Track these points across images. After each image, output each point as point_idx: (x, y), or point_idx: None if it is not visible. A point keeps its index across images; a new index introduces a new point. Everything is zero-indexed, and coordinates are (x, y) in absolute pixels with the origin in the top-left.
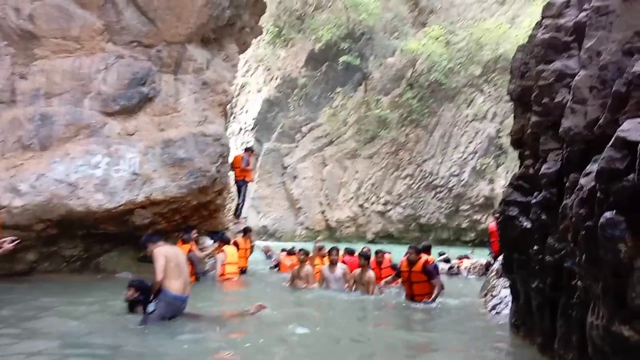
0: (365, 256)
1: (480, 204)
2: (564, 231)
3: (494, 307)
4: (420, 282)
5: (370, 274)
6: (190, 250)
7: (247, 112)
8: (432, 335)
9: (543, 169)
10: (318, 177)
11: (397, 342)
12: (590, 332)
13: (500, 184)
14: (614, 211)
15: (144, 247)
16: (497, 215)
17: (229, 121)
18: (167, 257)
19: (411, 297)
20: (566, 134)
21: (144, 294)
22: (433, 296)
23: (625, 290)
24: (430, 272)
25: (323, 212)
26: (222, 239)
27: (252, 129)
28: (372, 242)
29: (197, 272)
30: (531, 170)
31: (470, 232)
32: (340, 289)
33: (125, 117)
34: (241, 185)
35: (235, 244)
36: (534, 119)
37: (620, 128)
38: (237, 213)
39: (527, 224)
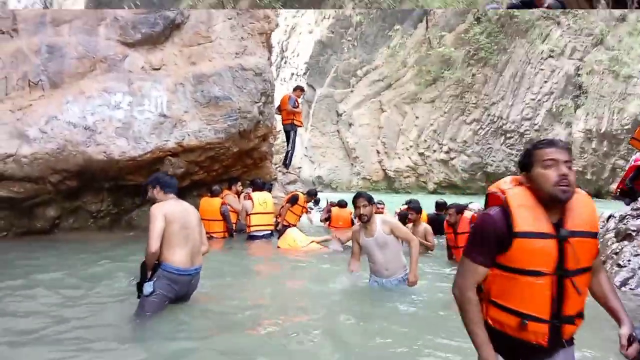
0: (416, 209)
1: None
2: None
3: (624, 283)
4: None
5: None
6: (223, 204)
7: (298, 55)
8: None
9: None
10: (375, 124)
11: None
12: None
13: (579, 127)
14: None
15: (144, 191)
16: None
17: (279, 66)
18: (169, 217)
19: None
20: None
21: (141, 274)
22: None
23: None
24: None
25: (380, 162)
26: (253, 184)
27: (304, 74)
28: (433, 192)
29: (230, 228)
30: None
31: None
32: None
33: (149, 48)
34: (289, 130)
35: (295, 199)
36: None
37: None
38: (287, 162)
39: None
